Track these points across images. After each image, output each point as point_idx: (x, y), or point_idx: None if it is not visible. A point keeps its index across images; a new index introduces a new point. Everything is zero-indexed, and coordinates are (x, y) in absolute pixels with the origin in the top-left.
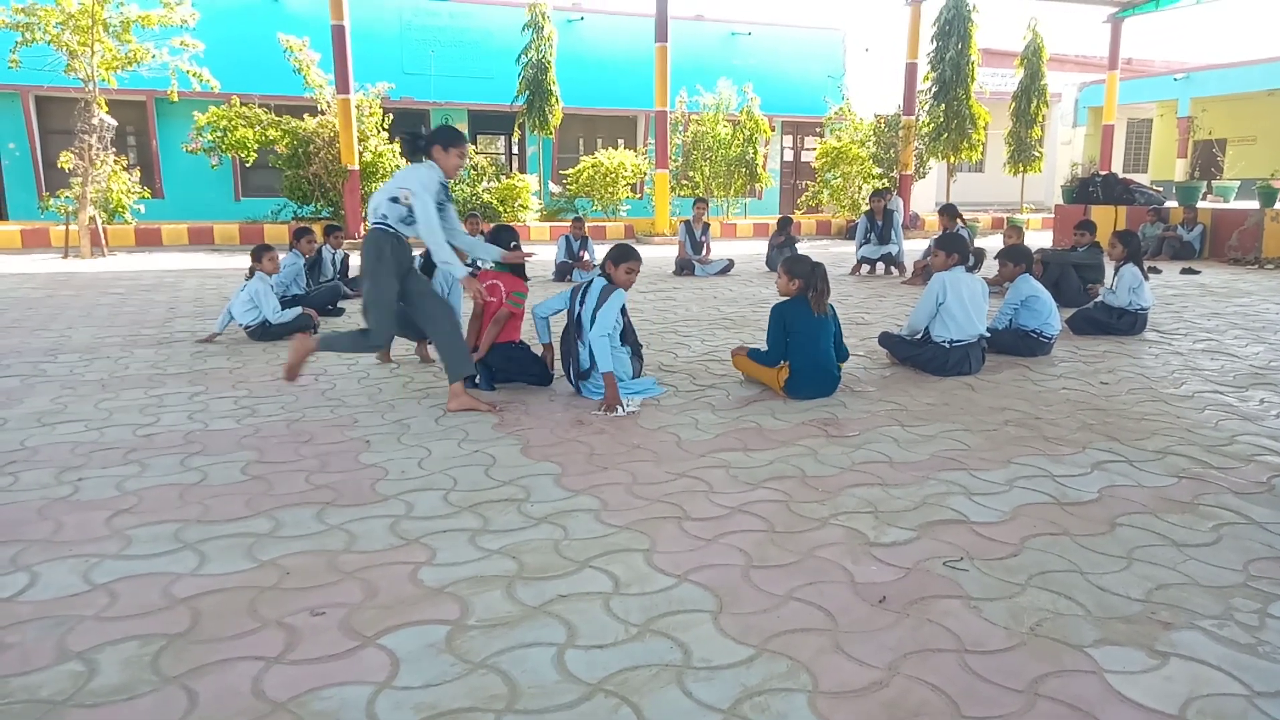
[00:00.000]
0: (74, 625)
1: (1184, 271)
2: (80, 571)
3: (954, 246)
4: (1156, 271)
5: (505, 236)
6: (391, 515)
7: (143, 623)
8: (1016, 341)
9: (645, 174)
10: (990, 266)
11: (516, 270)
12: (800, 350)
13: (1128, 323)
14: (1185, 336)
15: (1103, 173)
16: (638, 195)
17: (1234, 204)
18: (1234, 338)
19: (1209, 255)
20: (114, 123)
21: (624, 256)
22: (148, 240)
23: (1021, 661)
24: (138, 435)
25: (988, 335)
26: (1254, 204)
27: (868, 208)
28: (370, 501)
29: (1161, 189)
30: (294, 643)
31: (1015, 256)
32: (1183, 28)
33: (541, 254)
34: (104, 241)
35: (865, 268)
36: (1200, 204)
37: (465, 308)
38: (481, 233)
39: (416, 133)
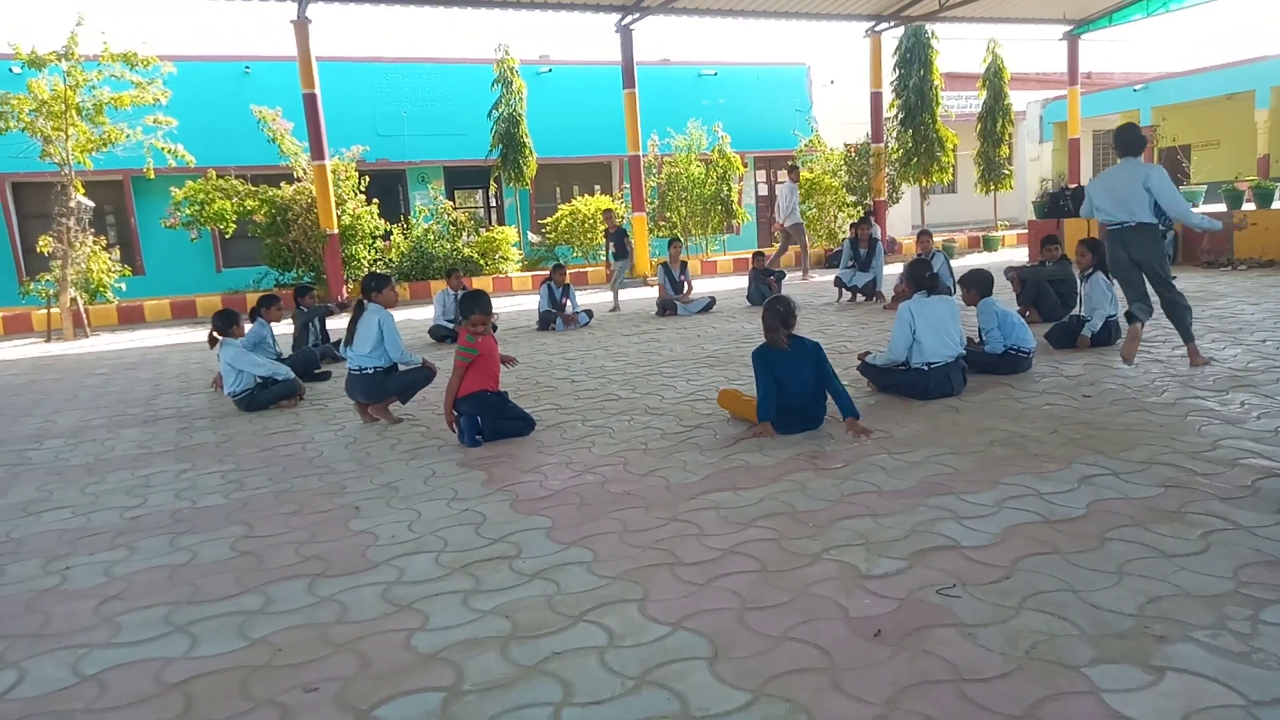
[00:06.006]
0: None
1: None
2: (69, 663)
3: (910, 274)
4: None
5: (471, 304)
6: (383, 582)
7: (134, 712)
8: (996, 360)
9: (622, 218)
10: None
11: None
12: (781, 388)
13: (1103, 333)
14: (1164, 343)
15: (1072, 186)
16: None
17: (1203, 208)
18: (1211, 341)
19: (1182, 260)
20: (91, 204)
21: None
22: (130, 318)
23: (1019, 686)
24: (125, 518)
25: (965, 354)
26: (1222, 207)
27: (850, 235)
28: (361, 569)
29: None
30: None
31: (975, 284)
32: (1139, 40)
33: (525, 304)
34: (86, 322)
35: (845, 295)
36: None
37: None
38: (464, 287)
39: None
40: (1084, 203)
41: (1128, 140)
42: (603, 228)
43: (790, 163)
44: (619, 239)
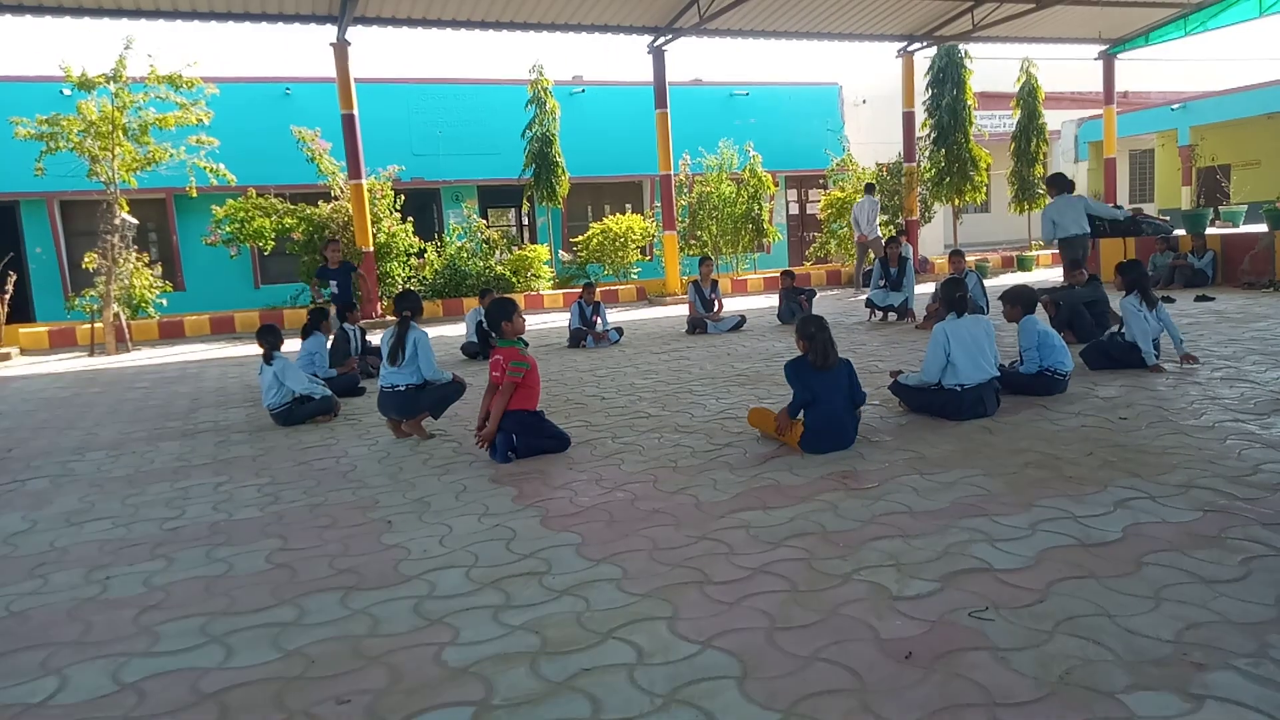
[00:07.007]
0: None
1: (1198, 299)
2: (109, 672)
3: (943, 293)
4: (1170, 301)
5: (500, 309)
6: (415, 596)
7: None
8: (1032, 381)
9: (653, 236)
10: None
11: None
12: (813, 406)
13: (1139, 355)
14: (1203, 365)
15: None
16: (647, 257)
17: (1243, 228)
18: (1252, 363)
19: (1222, 281)
20: (135, 222)
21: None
22: (171, 333)
23: (1052, 712)
24: (164, 529)
25: (998, 375)
26: (1263, 227)
27: (881, 254)
28: (393, 583)
29: (1169, 218)
30: None
31: (1018, 299)
32: (1177, 59)
33: (556, 321)
34: (128, 337)
35: (877, 315)
36: (1209, 230)
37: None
38: None
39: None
40: (1045, 227)
41: (1064, 183)
42: (335, 258)
43: (868, 181)
44: (344, 275)
